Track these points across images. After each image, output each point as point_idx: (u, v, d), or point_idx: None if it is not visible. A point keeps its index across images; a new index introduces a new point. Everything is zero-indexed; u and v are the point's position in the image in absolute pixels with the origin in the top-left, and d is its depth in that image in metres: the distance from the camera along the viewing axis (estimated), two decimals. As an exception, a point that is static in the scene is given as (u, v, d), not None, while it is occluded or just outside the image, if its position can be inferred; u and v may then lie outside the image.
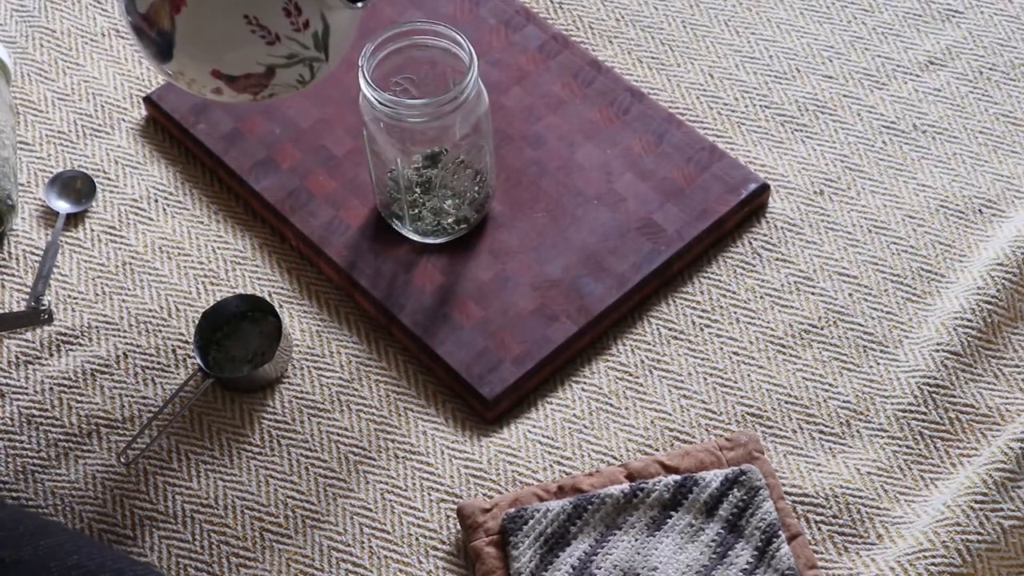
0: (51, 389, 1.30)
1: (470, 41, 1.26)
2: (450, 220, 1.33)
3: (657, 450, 1.24)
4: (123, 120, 1.47)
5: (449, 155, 1.30)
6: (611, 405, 1.27)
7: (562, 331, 1.28)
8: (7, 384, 1.30)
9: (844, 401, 1.25)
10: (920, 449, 1.23)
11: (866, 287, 1.32)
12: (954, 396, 1.25)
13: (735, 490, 1.18)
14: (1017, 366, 1.27)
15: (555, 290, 1.30)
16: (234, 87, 1.12)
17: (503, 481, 1.23)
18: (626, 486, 1.18)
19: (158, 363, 1.31)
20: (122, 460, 1.25)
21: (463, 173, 1.31)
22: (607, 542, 1.17)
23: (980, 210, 1.36)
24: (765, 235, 1.35)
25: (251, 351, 1.30)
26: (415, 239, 1.34)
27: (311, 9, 1.10)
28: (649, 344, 1.30)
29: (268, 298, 1.34)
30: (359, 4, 1.10)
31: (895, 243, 1.34)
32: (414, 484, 1.23)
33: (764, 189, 1.36)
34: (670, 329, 1.30)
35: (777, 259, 1.34)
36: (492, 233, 1.34)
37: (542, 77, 1.43)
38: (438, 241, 1.33)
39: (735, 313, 1.31)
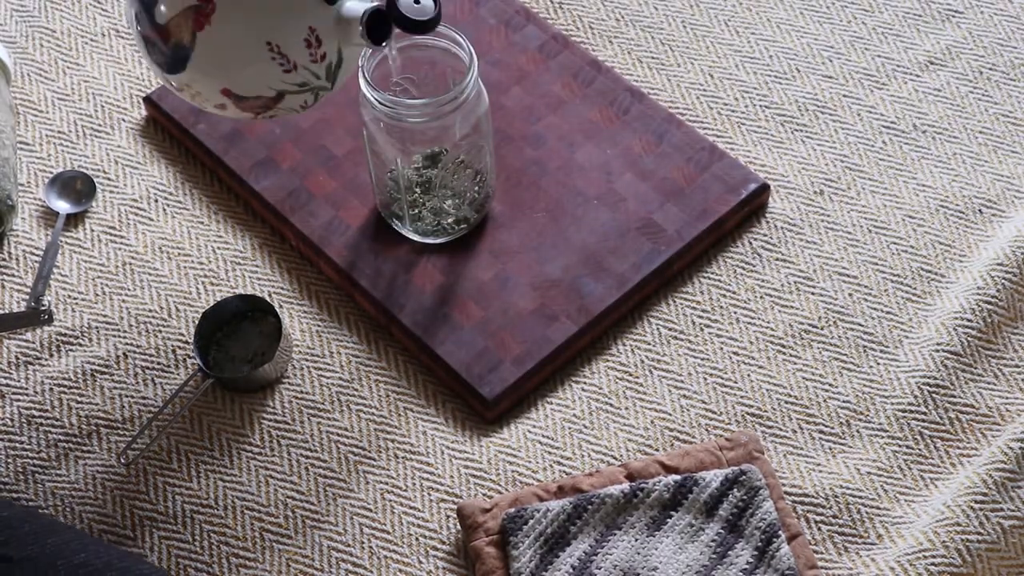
0: (51, 389, 1.30)
1: (470, 41, 1.26)
2: (450, 220, 1.33)
3: (657, 450, 1.24)
4: (123, 120, 1.47)
5: (449, 155, 1.30)
6: (611, 405, 1.26)
7: (562, 331, 1.28)
8: (7, 384, 1.30)
9: (844, 401, 1.25)
10: (920, 449, 1.23)
11: (866, 287, 1.32)
12: (954, 396, 1.25)
13: (735, 490, 1.18)
14: (1017, 366, 1.26)
15: (555, 290, 1.30)
16: (241, 106, 1.14)
17: (503, 481, 1.23)
18: (626, 486, 1.18)
19: (158, 363, 1.31)
20: (122, 460, 1.25)
21: (463, 173, 1.31)
22: (607, 542, 1.17)
23: (980, 210, 1.36)
24: (765, 235, 1.35)
25: (251, 351, 1.30)
26: (415, 239, 1.34)
27: (331, 43, 1.12)
28: (649, 344, 1.30)
29: (268, 298, 1.34)
30: (383, 45, 1.12)
31: (895, 243, 1.34)
32: (414, 484, 1.23)
33: (764, 189, 1.36)
34: (670, 329, 1.30)
35: (777, 259, 1.34)
36: (492, 233, 1.34)
37: (542, 77, 1.43)
38: (438, 241, 1.33)
39: (735, 313, 1.31)
